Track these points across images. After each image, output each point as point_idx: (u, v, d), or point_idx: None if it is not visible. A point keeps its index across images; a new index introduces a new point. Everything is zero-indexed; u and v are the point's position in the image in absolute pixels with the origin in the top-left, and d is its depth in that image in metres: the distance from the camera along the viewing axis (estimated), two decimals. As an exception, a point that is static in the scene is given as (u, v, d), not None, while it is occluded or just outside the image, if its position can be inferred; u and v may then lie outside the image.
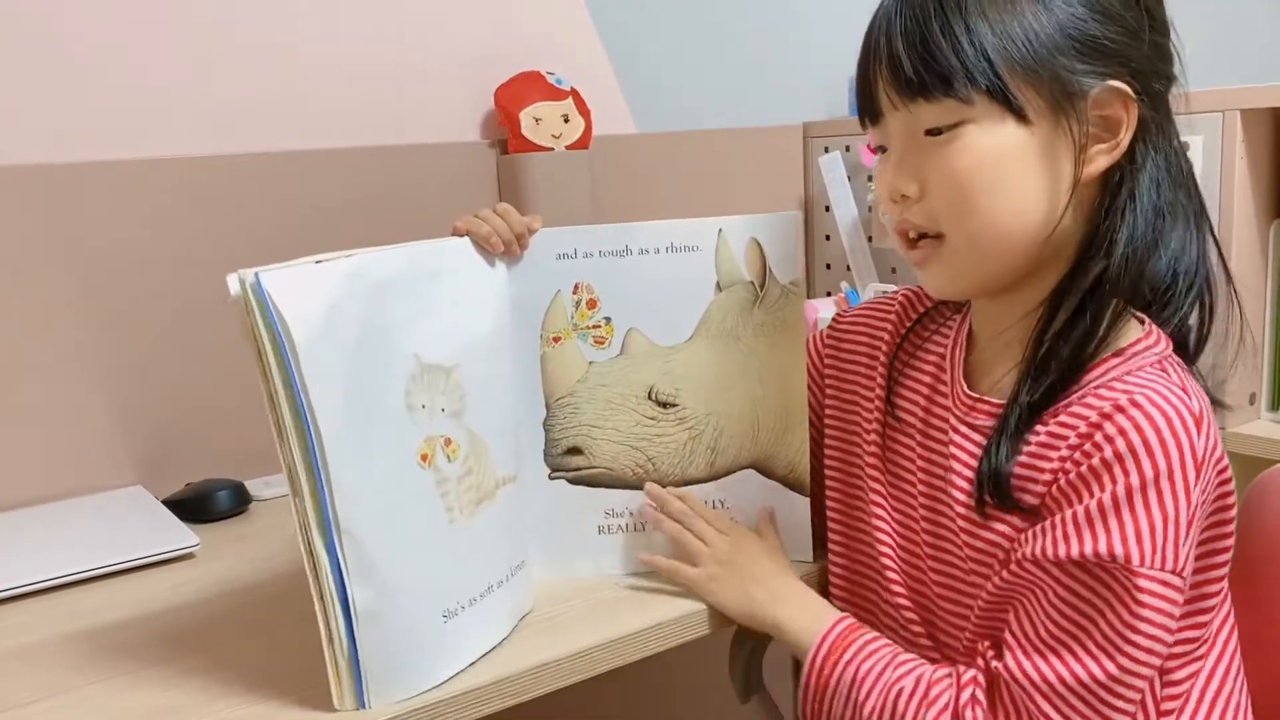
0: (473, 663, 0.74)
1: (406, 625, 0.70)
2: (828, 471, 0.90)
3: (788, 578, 0.84)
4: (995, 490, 0.72)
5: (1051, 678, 0.67)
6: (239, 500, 1.09)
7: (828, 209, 1.53)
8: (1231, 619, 0.77)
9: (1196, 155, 1.13)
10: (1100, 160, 0.71)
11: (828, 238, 1.56)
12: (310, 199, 1.21)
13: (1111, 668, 0.66)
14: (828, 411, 0.91)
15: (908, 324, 0.86)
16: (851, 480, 0.88)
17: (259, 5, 1.18)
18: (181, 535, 0.98)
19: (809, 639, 0.78)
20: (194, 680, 0.74)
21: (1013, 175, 0.71)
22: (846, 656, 0.76)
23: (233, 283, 0.65)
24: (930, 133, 0.72)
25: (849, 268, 1.49)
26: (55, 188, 1.08)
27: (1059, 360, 0.72)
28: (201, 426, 1.16)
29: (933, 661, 0.75)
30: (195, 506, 1.07)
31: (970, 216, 0.72)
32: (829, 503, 0.89)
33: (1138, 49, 0.70)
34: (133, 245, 1.12)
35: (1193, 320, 0.75)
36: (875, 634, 0.78)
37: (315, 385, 0.65)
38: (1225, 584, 0.75)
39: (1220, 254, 0.77)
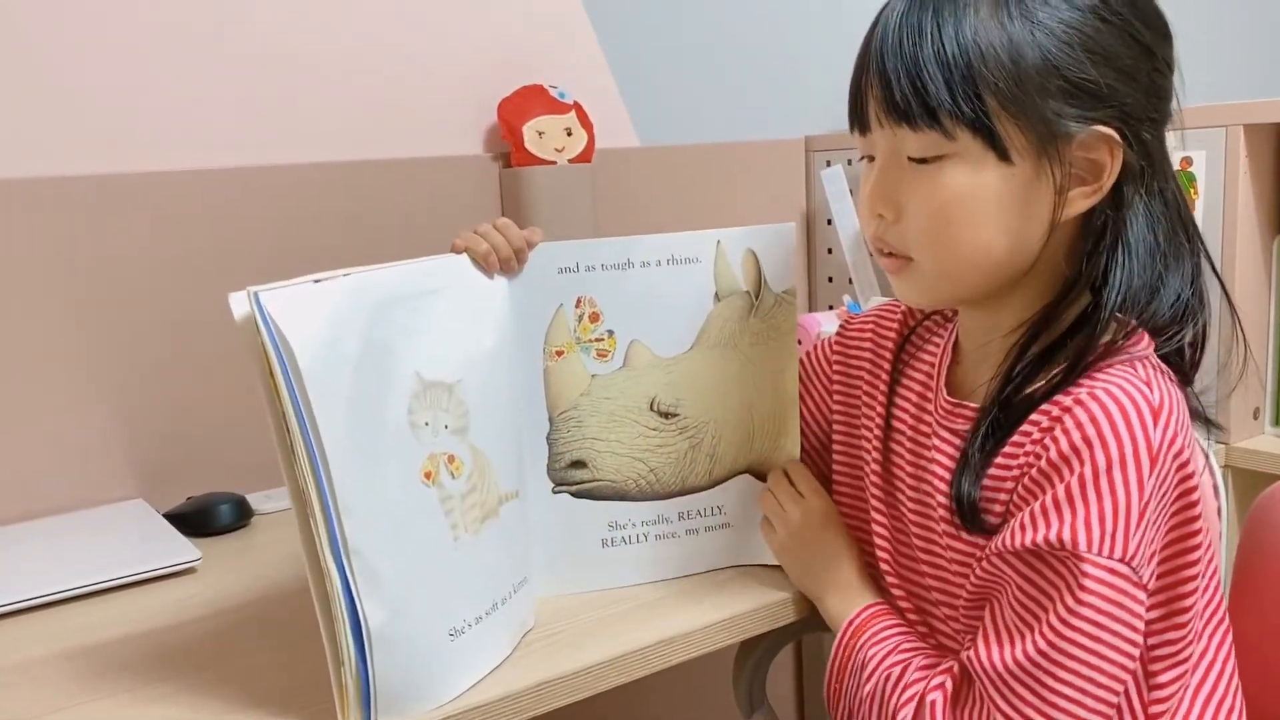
0: (478, 681, 0.74)
1: (414, 644, 0.70)
2: (835, 476, 0.91)
3: (843, 560, 0.86)
4: (961, 515, 0.73)
5: (999, 665, 0.68)
6: (241, 514, 1.09)
7: (830, 222, 1.53)
8: (1225, 624, 0.76)
9: (1200, 170, 1.14)
10: (1079, 202, 0.71)
11: (830, 251, 1.56)
12: (312, 212, 1.21)
13: (1051, 651, 0.66)
14: (835, 417, 0.92)
15: (908, 331, 0.87)
16: (856, 484, 0.89)
17: (260, 18, 1.19)
18: (183, 549, 0.98)
19: (840, 623, 0.82)
20: (196, 697, 0.74)
21: (988, 213, 0.71)
22: (860, 642, 0.79)
23: (239, 303, 0.64)
24: (912, 159, 0.72)
25: (851, 281, 1.49)
26: (56, 201, 1.08)
27: (1035, 379, 0.73)
28: (203, 439, 1.16)
29: (936, 655, 0.77)
30: (197, 520, 1.07)
31: (940, 248, 0.73)
32: (837, 507, 0.90)
33: (1131, 93, 0.70)
34: (133, 258, 1.12)
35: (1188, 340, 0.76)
36: (893, 622, 0.80)
37: (319, 405, 0.65)
38: (1210, 587, 0.74)
39: (1222, 285, 0.77)
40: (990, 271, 0.73)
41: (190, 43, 1.15)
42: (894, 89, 0.70)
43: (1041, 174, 0.70)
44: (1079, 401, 0.68)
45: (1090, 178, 0.71)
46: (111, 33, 1.11)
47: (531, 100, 1.31)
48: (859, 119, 0.75)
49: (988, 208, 0.71)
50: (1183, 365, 0.76)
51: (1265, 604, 0.85)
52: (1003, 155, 0.70)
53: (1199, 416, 0.76)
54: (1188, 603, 0.71)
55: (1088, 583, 0.65)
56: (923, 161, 0.72)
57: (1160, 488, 0.67)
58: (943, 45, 0.69)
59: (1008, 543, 0.69)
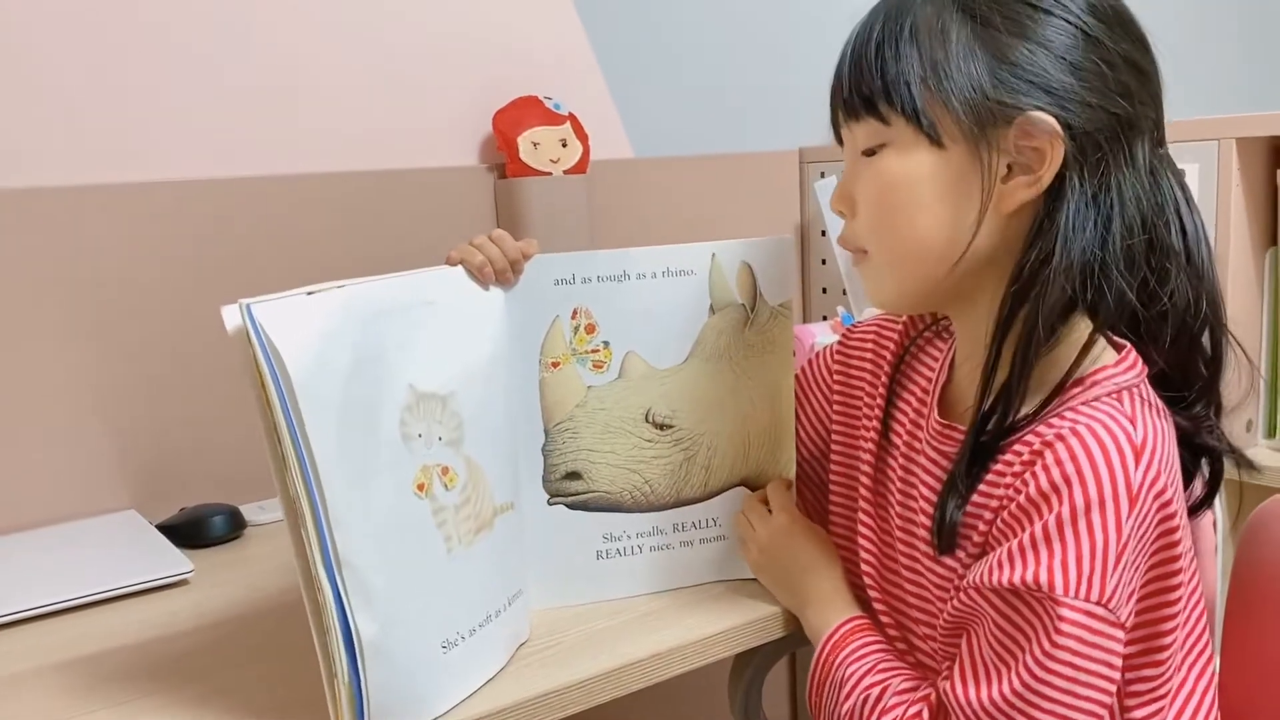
0: (471, 694, 0.74)
1: (406, 656, 0.69)
2: (831, 485, 0.91)
3: (818, 572, 0.85)
4: (941, 538, 0.73)
5: (976, 703, 0.68)
6: (233, 525, 1.09)
7: (824, 233, 1.53)
8: (1207, 654, 0.76)
9: (1192, 183, 1.14)
10: (1021, 192, 0.70)
11: (824, 262, 1.56)
12: (308, 223, 1.21)
13: (1027, 693, 0.66)
14: (835, 426, 0.92)
15: (909, 342, 0.87)
16: (850, 495, 0.89)
17: (257, 29, 1.19)
18: (175, 561, 0.97)
19: (820, 636, 0.82)
20: (188, 709, 0.73)
21: (922, 198, 0.72)
22: (840, 658, 0.79)
23: (231, 316, 0.64)
24: (864, 153, 0.74)
25: (845, 292, 1.49)
26: (51, 211, 1.08)
27: (1005, 396, 0.71)
28: (196, 450, 1.16)
29: (915, 676, 0.77)
30: (189, 532, 1.06)
31: (883, 237, 0.75)
32: (832, 516, 0.91)
33: (1067, 81, 0.69)
34: (128, 268, 1.12)
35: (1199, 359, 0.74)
36: (872, 638, 0.80)
37: (310, 417, 0.64)
38: (1192, 619, 0.74)
39: (1212, 304, 0.74)
40: (934, 261, 0.73)
41: (189, 55, 1.15)
42: (843, 87, 0.75)
43: (976, 160, 0.70)
44: (1061, 437, 0.68)
45: (1033, 167, 0.70)
46: (108, 42, 1.11)
47: (527, 111, 1.31)
48: (834, 126, 0.78)
49: (923, 193, 0.72)
50: (1180, 384, 0.75)
51: (1260, 617, 0.85)
52: (934, 140, 0.71)
53: (1226, 454, 0.75)
54: (1166, 640, 0.71)
55: (1064, 626, 0.65)
56: (870, 154, 0.74)
57: (1140, 528, 0.67)
58: (882, 39, 0.72)
59: (985, 579, 0.68)
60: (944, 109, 0.70)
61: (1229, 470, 0.78)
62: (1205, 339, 0.74)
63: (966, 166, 0.70)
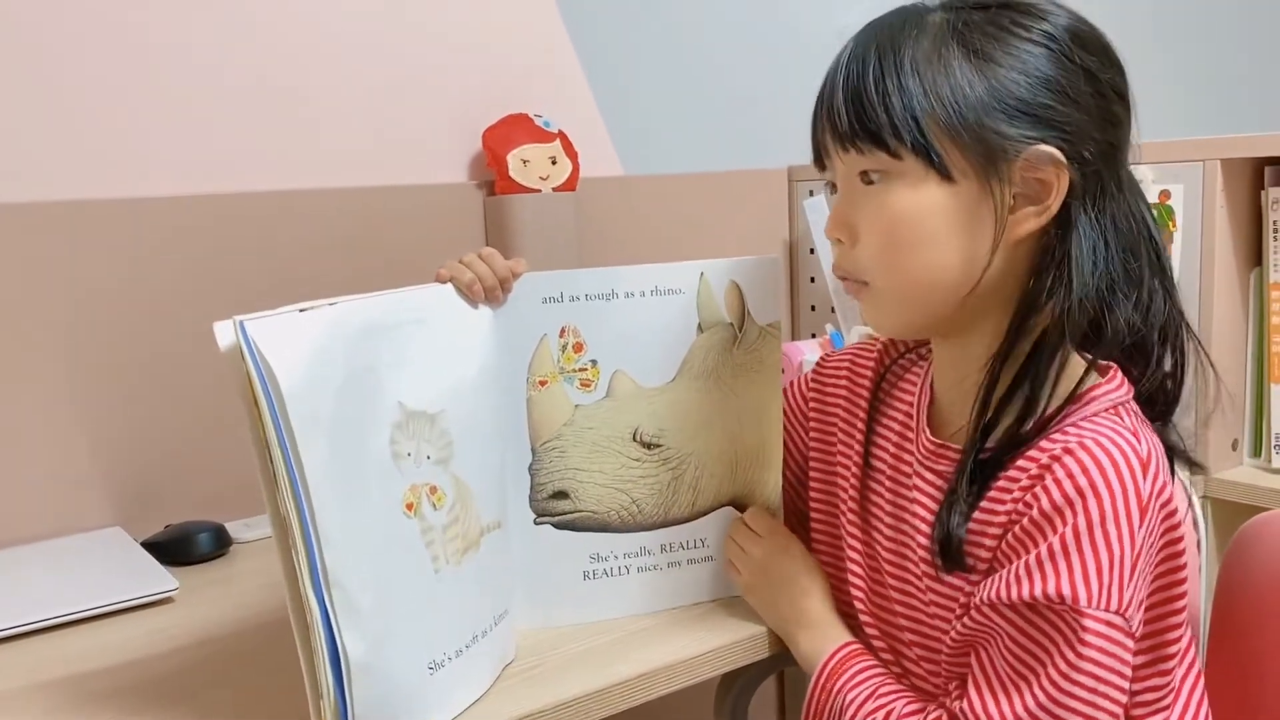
0: (457, 715, 0.73)
1: (393, 677, 0.69)
2: (812, 514, 0.91)
3: (809, 598, 0.85)
4: (946, 555, 0.73)
5: (998, 718, 0.68)
6: (219, 543, 1.08)
7: (812, 251, 1.54)
8: (1197, 667, 0.77)
9: (1178, 204, 1.15)
10: (1029, 222, 0.71)
11: (812, 280, 1.57)
12: (297, 240, 1.21)
13: (1052, 706, 0.66)
14: (811, 455, 0.91)
15: (884, 369, 0.87)
16: (832, 522, 0.88)
17: (247, 45, 1.19)
18: (160, 579, 0.97)
19: (814, 663, 0.81)
20: (171, 730, 0.73)
21: (934, 232, 0.72)
22: (838, 685, 0.79)
23: (224, 332, 0.64)
24: (864, 182, 0.74)
25: (834, 309, 1.49)
26: (39, 226, 1.08)
27: (1007, 417, 0.72)
28: (182, 467, 1.15)
29: (918, 699, 0.77)
30: (175, 549, 1.06)
31: (891, 269, 0.74)
32: (814, 545, 0.90)
33: (1072, 114, 0.70)
34: (115, 284, 1.12)
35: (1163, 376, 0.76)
36: (869, 663, 0.80)
37: (302, 435, 0.64)
38: (1187, 633, 0.75)
39: (1184, 316, 0.76)
40: (946, 293, 0.74)
41: (179, 71, 1.15)
42: (840, 118, 0.73)
43: (987, 193, 0.71)
44: (1068, 451, 0.68)
45: (1039, 197, 0.71)
46: (102, 59, 1.11)
47: (516, 129, 1.32)
48: (815, 152, 0.78)
49: (934, 227, 0.72)
50: (1165, 400, 0.76)
51: (1244, 637, 0.85)
52: (944, 174, 0.71)
53: (1181, 455, 0.77)
54: (1172, 649, 0.72)
55: (1088, 637, 0.66)
56: (871, 184, 0.73)
57: (1149, 538, 0.68)
58: (882, 73, 0.71)
59: (1002, 595, 0.68)
60: (952, 144, 0.70)
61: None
62: (1171, 348, 0.76)
63: (977, 200, 0.71)
